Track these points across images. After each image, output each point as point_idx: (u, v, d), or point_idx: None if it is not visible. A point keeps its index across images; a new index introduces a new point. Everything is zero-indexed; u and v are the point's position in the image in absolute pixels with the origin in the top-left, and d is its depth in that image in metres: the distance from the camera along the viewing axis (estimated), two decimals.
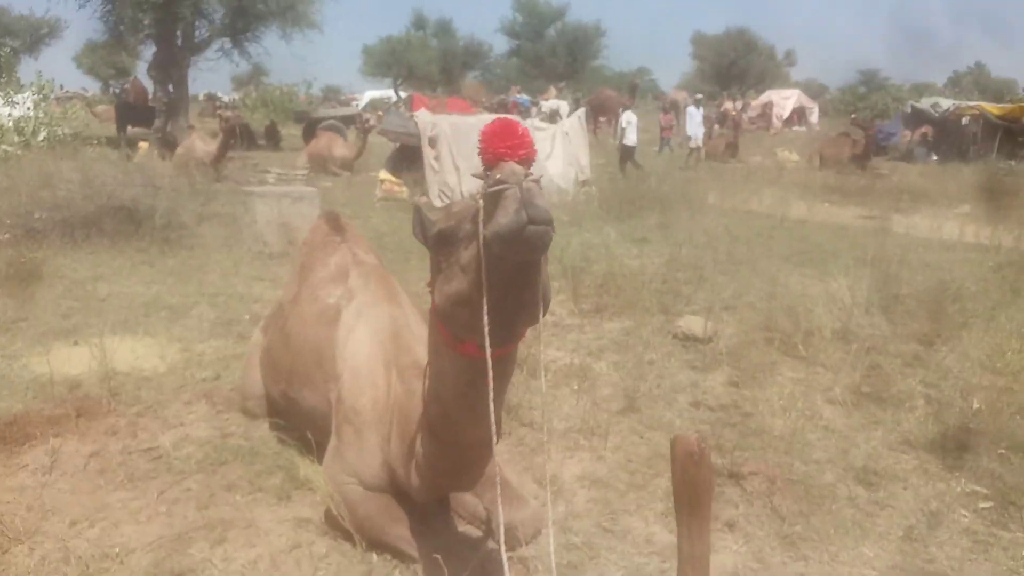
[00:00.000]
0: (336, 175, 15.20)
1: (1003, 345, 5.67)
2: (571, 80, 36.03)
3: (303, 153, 16.62)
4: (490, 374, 2.14)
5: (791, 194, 13.83)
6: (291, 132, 24.71)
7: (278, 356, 3.91)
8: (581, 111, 15.04)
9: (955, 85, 52.69)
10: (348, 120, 23.07)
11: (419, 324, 3.48)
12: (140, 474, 3.75)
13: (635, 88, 22.77)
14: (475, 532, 3.30)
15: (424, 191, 12.23)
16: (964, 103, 21.23)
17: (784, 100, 32.32)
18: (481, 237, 2.01)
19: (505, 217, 1.90)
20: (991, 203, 13.35)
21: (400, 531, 3.07)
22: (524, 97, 27.84)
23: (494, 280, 2.04)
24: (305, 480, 3.71)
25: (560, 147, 13.31)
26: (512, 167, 1.96)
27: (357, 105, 36.05)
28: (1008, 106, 20.40)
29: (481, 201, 2.01)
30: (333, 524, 3.26)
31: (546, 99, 27.03)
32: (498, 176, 1.95)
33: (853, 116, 22.65)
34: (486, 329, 2.08)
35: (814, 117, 33.05)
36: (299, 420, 3.83)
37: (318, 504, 3.56)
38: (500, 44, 48.89)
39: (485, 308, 2.06)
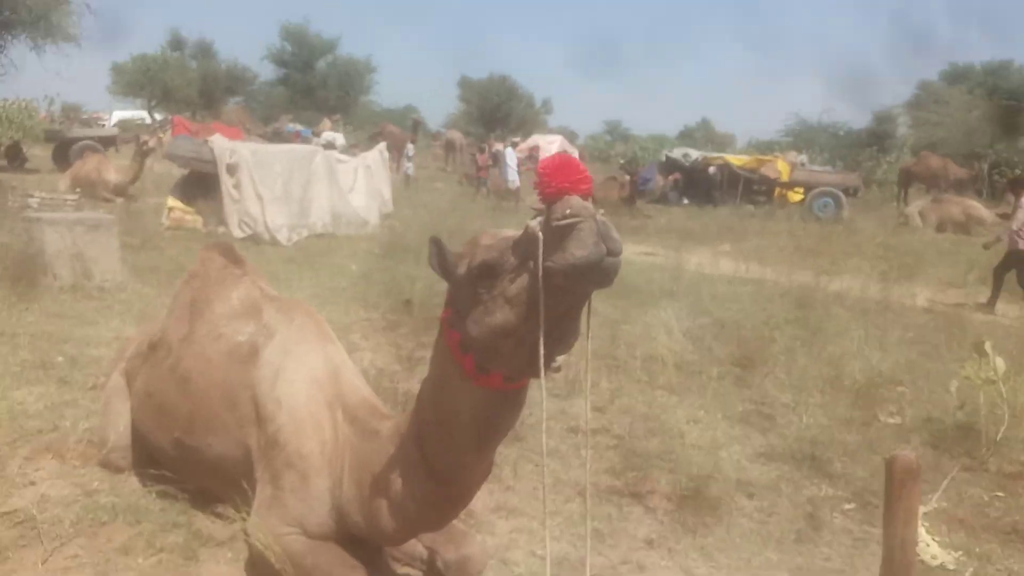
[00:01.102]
0: (108, 201, 13.81)
1: (808, 367, 6.48)
2: (343, 113, 35.70)
3: (65, 176, 14.91)
4: (543, 400, 2.14)
5: None
6: (36, 153, 22.09)
7: (168, 401, 3.52)
8: (382, 145, 15.01)
9: (685, 137, 58.99)
10: (107, 142, 21.14)
11: (352, 364, 3.33)
12: (7, 543, 3.19)
13: (417, 125, 23.14)
14: (416, 574, 3.20)
15: (221, 220, 11.51)
16: (711, 154, 24.04)
17: (549, 144, 34.35)
18: (540, 268, 2.01)
19: (583, 249, 1.94)
20: (744, 242, 15.17)
21: None
22: (305, 128, 27.18)
23: (549, 311, 2.06)
24: (210, 537, 3.38)
25: (363, 180, 13.18)
26: (580, 201, 2.01)
27: (103, 125, 33.19)
28: (746, 158, 23.45)
29: (541, 234, 2.02)
30: None
31: (320, 131, 26.65)
32: (568, 211, 1.98)
33: (623, 162, 24.71)
34: (541, 359, 2.09)
35: (485, 154, 35.46)
36: (198, 470, 3.48)
37: (232, 561, 3.27)
38: (266, 71, 47.23)
39: (542, 339, 2.06)
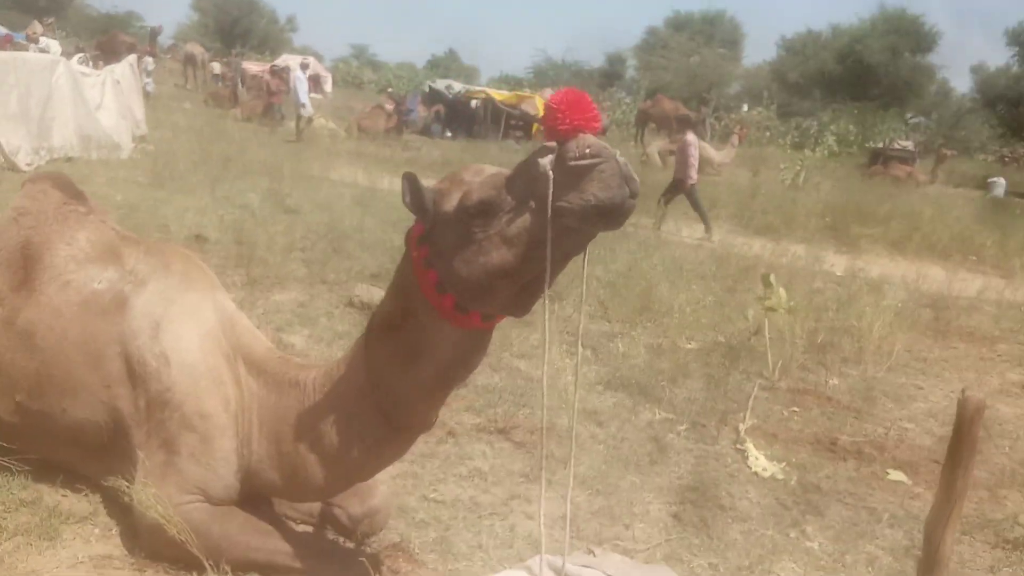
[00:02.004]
0: None
1: (612, 298, 6.97)
2: (57, 17, 31.04)
3: None
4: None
5: (355, 164, 14.35)
6: None
7: (4, 360, 3.02)
8: (132, 57, 13.35)
9: (434, 67, 58.93)
10: None
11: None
12: None
13: (156, 36, 20.93)
14: (306, 529, 3.09)
15: None
16: (473, 87, 24.33)
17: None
18: (550, 208, 1.98)
19: (607, 191, 1.93)
20: None
21: (274, 543, 2.73)
22: (19, 33, 23.26)
23: (554, 251, 2.04)
24: (70, 513, 3.00)
25: (112, 97, 11.69)
26: (598, 140, 1.98)
27: None
28: (507, 93, 24.04)
29: (552, 172, 1.97)
30: (163, 553, 2.74)
31: (35, 36, 23.03)
32: (587, 149, 1.95)
33: (389, 90, 24.16)
34: (547, 295, 2.10)
35: (328, 86, 34.11)
36: (47, 439, 3.05)
37: (103, 537, 2.94)
38: None
39: (548, 279, 2.05)
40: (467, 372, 2.41)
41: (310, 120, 18.30)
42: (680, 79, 36.95)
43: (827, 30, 41.55)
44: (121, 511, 3.00)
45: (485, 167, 2.28)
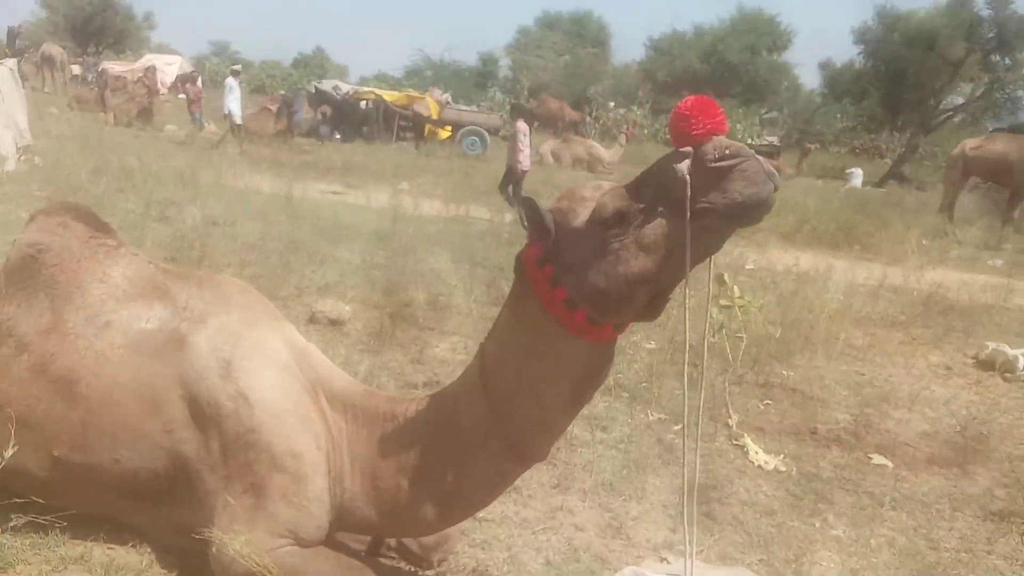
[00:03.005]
0: None
1: None
2: None
3: None
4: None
5: (258, 171, 13.85)
6: None
7: (35, 411, 2.78)
8: (12, 62, 12.28)
9: (300, 65, 57.34)
10: None
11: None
12: None
13: (15, 36, 19.42)
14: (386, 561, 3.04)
15: None
16: (362, 88, 23.87)
17: (168, 66, 30.99)
18: (689, 211, 2.04)
19: (753, 187, 2.01)
20: (418, 179, 15.61)
21: None
22: None
23: (695, 254, 2.12)
24: (125, 567, 2.81)
25: None
26: (734, 142, 2.07)
27: None
28: (397, 94, 23.74)
29: (689, 175, 2.04)
30: None
31: None
32: (727, 151, 2.03)
33: (283, 93, 23.31)
34: (687, 298, 2.18)
35: (198, 84, 32.43)
36: (93, 492, 2.84)
37: None
38: None
39: (688, 282, 2.14)
40: (598, 386, 2.43)
41: (240, 128, 17.53)
42: (558, 78, 37.71)
43: (691, 31, 43.54)
44: (177, 560, 2.85)
45: (600, 183, 2.34)
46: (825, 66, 50.68)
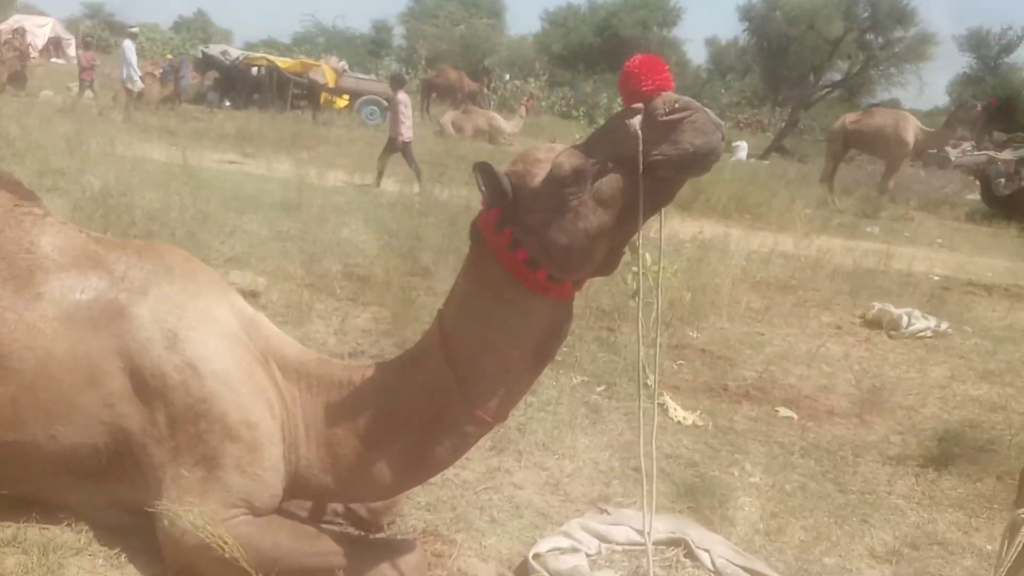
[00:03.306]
0: None
1: None
2: None
3: None
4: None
5: (147, 139, 13.21)
6: None
7: None
8: None
9: (181, 29, 54.59)
10: None
11: None
12: None
13: None
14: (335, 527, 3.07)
15: None
16: (253, 54, 22.96)
17: (39, 28, 28.84)
18: (641, 164, 2.13)
19: (704, 137, 2.12)
20: (318, 149, 15.28)
21: (326, 545, 2.66)
22: None
23: (649, 206, 2.22)
24: (64, 545, 2.73)
25: None
26: (683, 96, 2.18)
27: None
28: (291, 61, 22.96)
29: (640, 130, 2.13)
30: (206, 573, 2.60)
31: None
32: (676, 104, 2.13)
33: (170, 58, 22.12)
34: (640, 254, 2.29)
35: (72, 49, 30.44)
36: (28, 471, 2.73)
37: (114, 566, 2.73)
38: None
39: (640, 234, 2.25)
40: (560, 343, 2.50)
41: (140, 95, 16.52)
42: (454, 48, 37.40)
43: (585, 4, 43.99)
44: (117, 536, 2.79)
45: (553, 145, 2.41)
46: (711, 42, 52.33)
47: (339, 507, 3.08)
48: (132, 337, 2.66)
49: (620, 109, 2.28)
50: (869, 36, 36.41)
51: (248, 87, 21.32)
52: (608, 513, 3.25)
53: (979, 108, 16.58)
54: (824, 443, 4.53)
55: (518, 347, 2.42)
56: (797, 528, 3.52)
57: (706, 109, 2.20)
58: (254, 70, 21.32)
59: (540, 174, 2.29)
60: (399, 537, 3.00)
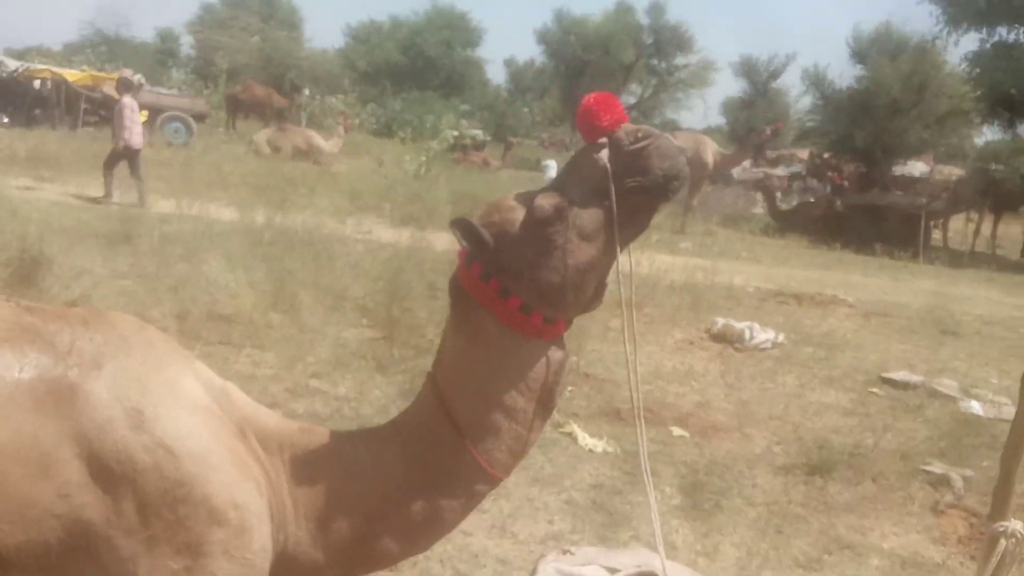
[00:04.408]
0: None
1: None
2: None
3: None
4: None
5: None
6: None
7: None
8: None
9: None
10: None
11: None
12: None
13: None
14: None
15: None
16: (35, 66, 20.62)
17: None
18: (614, 196, 2.17)
19: (670, 160, 2.17)
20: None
21: None
22: None
23: (628, 234, 2.31)
24: None
25: None
26: (642, 125, 2.30)
27: None
28: (80, 73, 20.89)
29: (609, 163, 2.22)
30: None
31: None
32: (638, 134, 2.24)
33: None
34: (630, 280, 2.32)
35: None
36: None
37: None
38: None
39: (618, 259, 2.23)
40: (563, 383, 2.50)
41: None
42: (255, 61, 35.87)
43: (388, 21, 43.91)
44: None
45: (510, 194, 2.43)
46: (510, 63, 54.21)
47: None
48: (89, 418, 2.34)
49: (582, 145, 2.37)
50: (654, 61, 39.34)
51: (30, 102, 19.24)
52: (572, 553, 3.30)
53: (768, 132, 18.38)
54: (719, 459, 4.86)
55: (523, 394, 2.40)
56: (728, 546, 3.77)
57: (665, 135, 2.34)
58: (36, 83, 19.28)
59: (518, 220, 2.32)
60: None
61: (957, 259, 17.40)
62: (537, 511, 3.89)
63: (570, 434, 4.87)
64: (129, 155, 11.82)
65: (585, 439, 4.83)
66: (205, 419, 2.46)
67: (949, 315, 10.62)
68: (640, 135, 2.21)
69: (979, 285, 14.44)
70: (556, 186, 2.31)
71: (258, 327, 6.09)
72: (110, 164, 11.85)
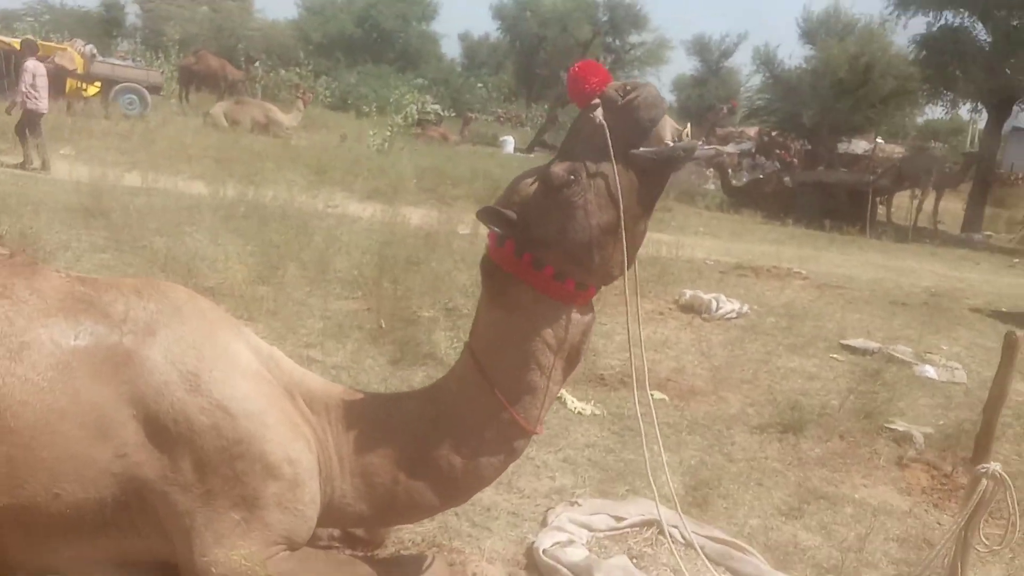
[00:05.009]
0: None
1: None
2: None
3: None
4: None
5: None
6: None
7: None
8: None
9: None
10: None
11: None
12: None
13: None
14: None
15: None
16: None
17: None
18: (612, 149, 2.35)
19: (656, 110, 2.37)
20: (82, 143, 13.90)
21: (362, 570, 2.73)
22: None
23: (647, 197, 2.46)
24: None
25: None
26: (627, 80, 2.52)
27: None
28: None
29: (604, 120, 2.36)
30: None
31: None
32: (627, 87, 2.39)
33: None
34: (625, 257, 2.48)
35: None
36: (19, 535, 2.50)
37: None
38: None
39: (623, 226, 2.41)
40: (588, 343, 2.74)
41: None
42: (206, 31, 35.04)
43: None
44: None
45: (527, 172, 2.61)
46: (464, 38, 53.80)
47: (335, 531, 3.11)
48: (145, 382, 2.52)
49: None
50: (609, 39, 39.52)
51: None
52: (580, 504, 3.56)
53: (725, 111, 18.82)
54: (700, 420, 5.16)
55: (556, 354, 2.62)
56: (716, 497, 4.06)
57: (650, 83, 2.53)
58: None
59: (530, 192, 2.51)
60: (404, 553, 3.10)
61: (902, 234, 18.09)
62: (538, 469, 4.13)
63: (559, 399, 5.11)
64: (33, 119, 11.88)
65: (574, 403, 5.07)
66: (257, 382, 2.65)
67: (898, 287, 11.18)
68: (629, 87, 2.42)
69: (924, 259, 15.12)
70: (563, 154, 2.52)
71: (247, 299, 6.18)
72: (20, 130, 11.91)
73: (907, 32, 22.19)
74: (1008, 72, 19.38)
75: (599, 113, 2.37)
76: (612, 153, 2.36)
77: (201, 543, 2.50)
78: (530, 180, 2.53)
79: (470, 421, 2.66)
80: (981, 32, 20.67)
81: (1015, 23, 19.66)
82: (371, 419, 2.71)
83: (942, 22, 20.72)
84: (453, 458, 2.66)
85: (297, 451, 2.60)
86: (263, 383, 2.66)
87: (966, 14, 20.39)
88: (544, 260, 2.49)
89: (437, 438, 2.67)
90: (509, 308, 2.62)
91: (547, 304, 2.55)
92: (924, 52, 21.45)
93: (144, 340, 2.56)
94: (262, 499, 2.55)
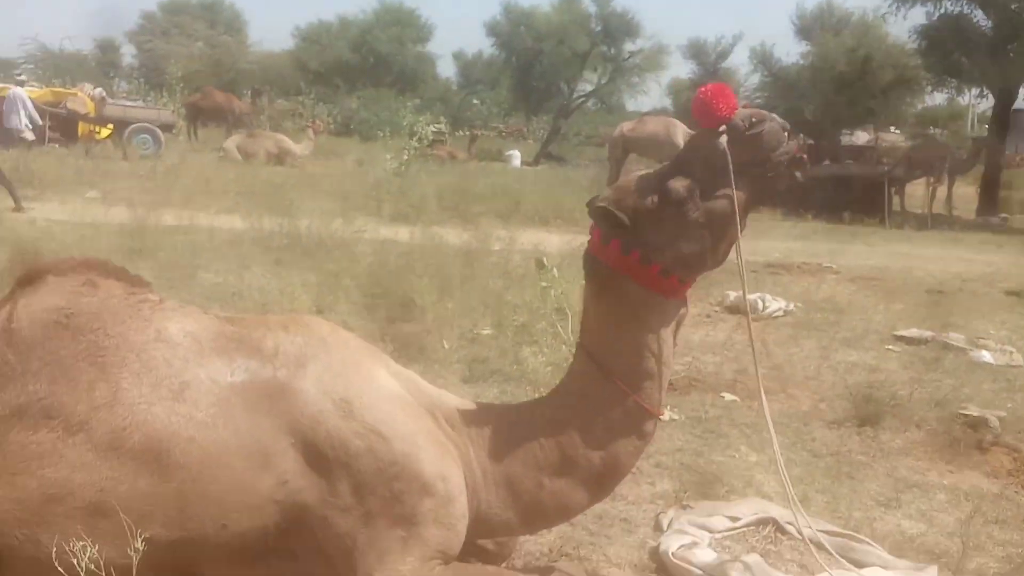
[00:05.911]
0: None
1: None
2: None
3: None
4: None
5: None
6: None
7: (119, 494, 2.45)
8: None
9: None
10: None
11: None
12: None
13: None
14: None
15: None
16: None
17: None
18: (732, 174, 2.51)
19: (779, 143, 2.56)
20: (113, 185, 14.07)
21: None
22: None
23: (749, 207, 2.63)
24: None
25: None
26: (754, 110, 2.63)
27: None
28: (40, 90, 20.48)
29: (728, 148, 2.52)
30: None
31: None
32: (753, 119, 2.55)
33: None
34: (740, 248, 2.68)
35: None
36: (187, 568, 2.59)
37: None
38: None
39: (740, 234, 2.63)
40: (683, 326, 2.83)
41: None
42: (205, 67, 35.37)
43: (336, 21, 43.56)
44: None
45: (630, 170, 2.78)
46: (459, 56, 54.12)
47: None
48: (300, 412, 2.61)
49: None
50: (603, 48, 39.72)
51: None
52: (692, 507, 3.63)
53: None
54: (775, 418, 5.16)
55: (664, 342, 2.75)
56: (814, 493, 4.12)
57: (774, 116, 2.66)
58: None
59: (647, 199, 2.64)
60: (537, 564, 3.17)
61: (920, 222, 18.16)
62: (635, 476, 4.16)
63: None
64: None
65: None
66: (403, 405, 2.75)
67: (929, 275, 11.25)
68: (754, 119, 2.57)
69: (947, 245, 15.19)
70: (681, 169, 2.65)
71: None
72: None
73: (906, 23, 22.35)
74: (1012, 56, 19.50)
75: (723, 140, 2.52)
76: (733, 180, 2.51)
77: (365, 563, 2.58)
78: (643, 185, 2.65)
79: (599, 414, 2.75)
80: (981, 19, 20.81)
81: (1015, 6, 19.80)
82: (507, 430, 2.80)
83: (942, 11, 20.87)
84: (591, 453, 2.75)
85: (447, 468, 2.69)
86: (408, 405, 2.75)
87: (965, 1, 20.55)
88: (652, 259, 2.62)
89: (572, 437, 2.76)
90: (616, 301, 2.73)
91: (652, 297, 2.68)
92: (926, 42, 21.58)
93: (296, 372, 2.66)
94: (419, 516, 2.63)
